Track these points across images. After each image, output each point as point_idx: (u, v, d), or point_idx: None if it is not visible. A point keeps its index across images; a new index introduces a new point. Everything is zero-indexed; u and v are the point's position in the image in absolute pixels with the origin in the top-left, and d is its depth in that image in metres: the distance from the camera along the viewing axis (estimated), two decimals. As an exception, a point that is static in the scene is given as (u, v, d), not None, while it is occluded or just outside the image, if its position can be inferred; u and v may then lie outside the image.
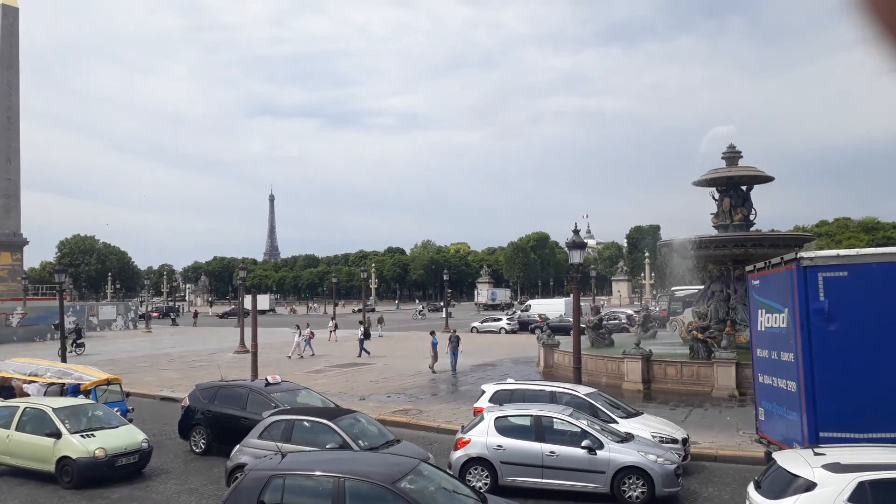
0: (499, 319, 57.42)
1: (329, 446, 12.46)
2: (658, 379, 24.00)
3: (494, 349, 39.05)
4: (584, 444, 12.32)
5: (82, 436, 14.29)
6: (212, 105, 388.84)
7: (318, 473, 9.74)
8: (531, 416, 13.31)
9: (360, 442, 12.79)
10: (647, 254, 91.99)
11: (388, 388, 25.65)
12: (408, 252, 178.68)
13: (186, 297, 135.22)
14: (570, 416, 13.10)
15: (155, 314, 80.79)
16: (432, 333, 32.16)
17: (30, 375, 19.53)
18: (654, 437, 13.92)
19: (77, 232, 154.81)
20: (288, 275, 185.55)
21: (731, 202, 28.68)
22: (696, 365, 23.87)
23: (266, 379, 17.50)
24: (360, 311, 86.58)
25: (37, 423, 14.72)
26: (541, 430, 12.91)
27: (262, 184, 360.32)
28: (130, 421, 16.42)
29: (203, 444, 16.63)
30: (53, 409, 14.83)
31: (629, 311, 55.36)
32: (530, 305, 63.98)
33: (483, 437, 13.02)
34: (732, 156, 28.63)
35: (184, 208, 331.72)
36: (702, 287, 33.34)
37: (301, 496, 9.69)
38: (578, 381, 18.04)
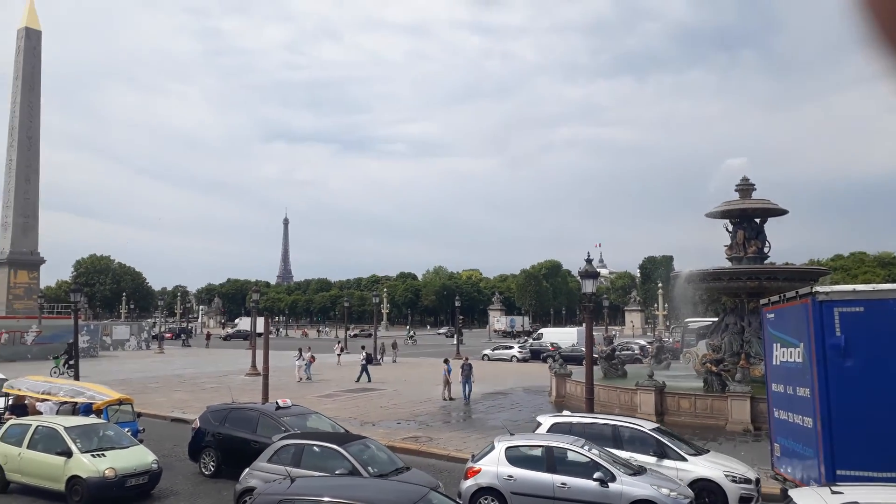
0: (510, 347, 57.09)
1: (338, 472, 12.41)
2: (671, 411, 23.72)
3: (506, 377, 38.82)
4: (596, 475, 12.17)
5: (93, 455, 14.30)
6: (227, 129, 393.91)
7: (326, 499, 9.69)
8: (543, 446, 13.20)
9: (369, 468, 12.72)
10: (660, 284, 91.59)
11: (398, 415, 25.53)
12: (420, 277, 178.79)
13: (199, 319, 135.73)
14: (583, 447, 12.98)
15: (168, 335, 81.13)
16: (446, 361, 31.84)
17: (43, 394, 19.64)
18: (726, 476, 13.47)
19: (93, 252, 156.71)
20: (301, 298, 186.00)
21: (745, 234, 28.57)
22: (710, 398, 23.59)
23: (277, 402, 17.50)
24: (370, 335, 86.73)
25: (48, 441, 14.77)
26: (552, 460, 12.79)
27: (276, 207, 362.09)
28: (141, 441, 16.43)
29: (213, 466, 16.59)
30: (65, 428, 14.89)
31: (642, 342, 54.91)
32: (542, 334, 63.63)
33: (493, 467, 12.91)
34: (746, 188, 28.59)
35: (198, 230, 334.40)
36: (716, 319, 33.09)
37: (310, 522, 9.64)
38: (591, 411, 17.87)
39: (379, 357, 49.64)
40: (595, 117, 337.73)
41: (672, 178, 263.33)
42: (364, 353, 39.21)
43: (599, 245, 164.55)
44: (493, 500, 12.70)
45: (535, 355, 53.29)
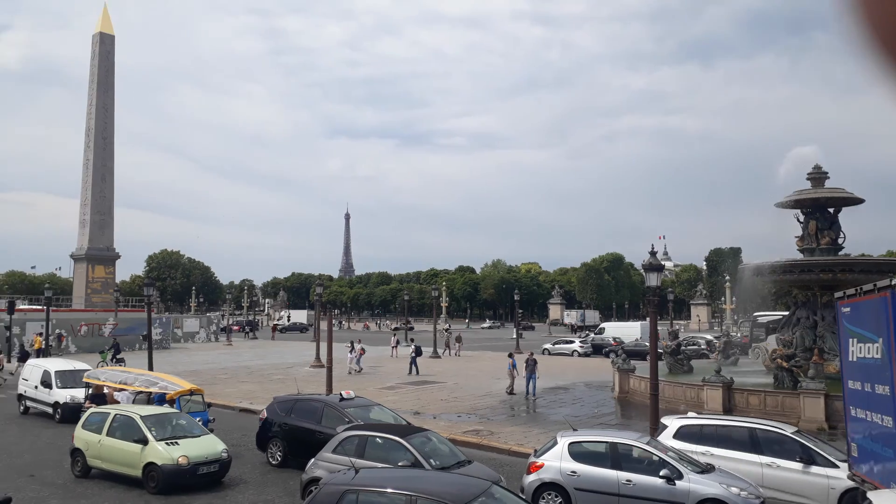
0: (572, 342, 56.57)
1: (401, 464, 12.55)
2: (740, 408, 23.01)
3: (567, 372, 38.45)
4: (662, 473, 11.93)
5: (167, 443, 14.86)
6: (292, 126, 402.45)
7: (390, 491, 9.83)
8: (607, 442, 13.04)
9: (431, 461, 12.81)
10: (727, 277, 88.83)
11: (458, 408, 25.63)
12: (478, 271, 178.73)
13: (266, 312, 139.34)
14: (648, 443, 12.74)
15: (235, 327, 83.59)
16: (510, 355, 31.64)
17: (120, 384, 20.55)
18: None
19: (164, 247, 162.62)
20: (362, 291, 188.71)
21: (818, 225, 27.43)
22: (781, 395, 22.79)
23: (340, 394, 17.82)
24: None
25: (126, 429, 15.43)
26: (617, 457, 12.62)
27: (338, 202, 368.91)
28: (211, 431, 16.98)
29: (279, 456, 17.01)
30: (141, 417, 15.52)
31: (708, 337, 53.50)
32: (604, 328, 62.76)
33: (557, 462, 12.82)
34: (818, 177, 27.44)
35: (264, 225, 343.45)
36: (786, 313, 31.93)
37: (374, 513, 9.79)
38: (655, 408, 17.49)
39: (443, 350, 49.92)
40: (659, 106, 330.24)
41: (740, 166, 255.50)
42: (413, 347, 39.47)
43: (663, 237, 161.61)
44: (556, 496, 12.62)
45: (597, 350, 52.63)
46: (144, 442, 14.81)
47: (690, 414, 16.79)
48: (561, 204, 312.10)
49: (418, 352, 38.81)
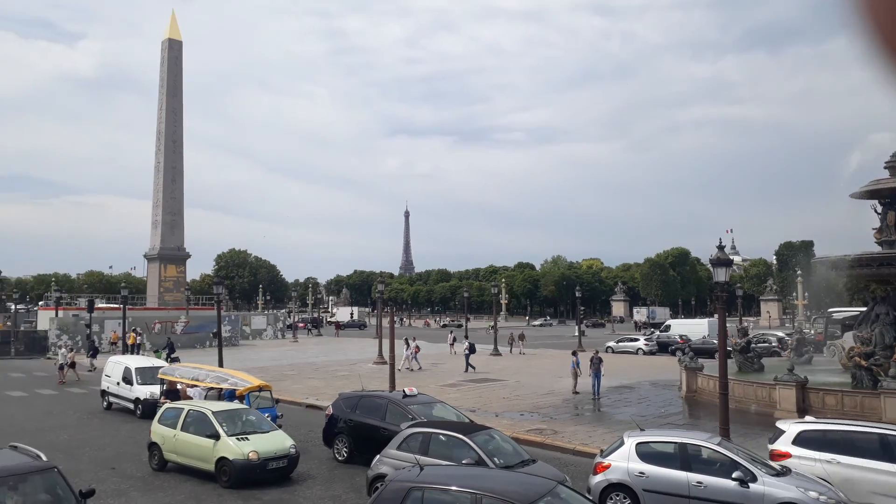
0: (636, 340, 55.51)
1: (465, 462, 12.58)
2: (815, 409, 22.11)
3: (631, 371, 37.78)
4: (735, 475, 11.58)
5: (238, 439, 15.32)
6: (352, 125, 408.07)
7: (454, 488, 9.87)
8: (676, 442, 12.77)
9: (494, 459, 12.81)
10: (798, 272, 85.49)
11: (521, 406, 25.52)
12: (538, 267, 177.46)
13: (329, 309, 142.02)
14: (719, 444, 12.41)
15: (300, 325, 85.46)
16: (574, 353, 31.08)
17: (192, 380, 21.32)
18: None
19: (232, 246, 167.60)
20: (422, 288, 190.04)
21: (899, 216, 26.08)
22: (859, 395, 21.80)
23: (404, 391, 17.99)
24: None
25: (199, 424, 15.97)
26: (687, 458, 12.34)
27: (398, 200, 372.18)
28: (280, 427, 17.41)
29: (345, 452, 17.30)
30: (213, 413, 16.05)
31: (780, 334, 51.61)
32: (670, 326, 61.32)
33: (624, 463, 12.63)
34: (897, 165, 26.08)
35: (327, 224, 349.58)
36: (863, 309, 30.49)
37: (439, 510, 9.86)
38: (725, 407, 16.99)
39: (508, 347, 49.73)
40: (725, 95, 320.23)
41: (810, 156, 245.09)
42: (467, 343, 39.49)
43: (731, 231, 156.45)
44: (623, 497, 12.43)
45: (663, 348, 51.51)
46: (217, 437, 15.30)
47: (808, 418, 15.99)
48: (623, 198, 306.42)
49: (472, 349, 38.84)
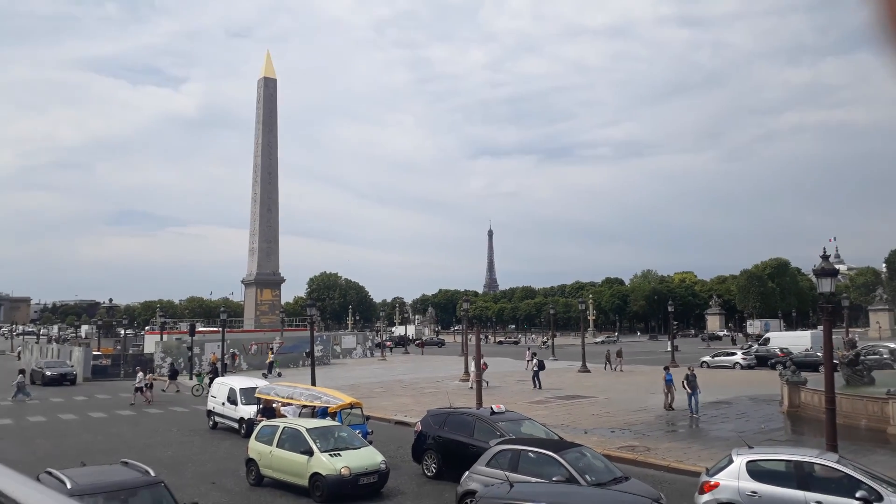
0: (733, 354, 53.18)
1: (555, 479, 12.39)
2: (935, 425, 20.53)
3: (729, 386, 36.16)
4: (859, 494, 10.85)
5: (331, 455, 15.64)
6: (437, 150, 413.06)
7: (544, 505, 9.76)
8: (791, 460, 12.19)
9: (586, 476, 12.54)
10: (912, 279, 79.80)
11: (611, 423, 24.89)
12: (627, 282, 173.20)
13: (416, 328, 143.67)
14: (837, 462, 11.72)
15: (388, 343, 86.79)
16: (666, 369, 29.74)
17: (287, 398, 21.99)
18: None
19: (323, 270, 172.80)
20: (507, 306, 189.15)
21: None
22: None
23: (492, 408, 17.93)
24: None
25: (293, 441, 16.39)
26: (803, 476, 11.70)
27: (481, 220, 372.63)
28: (370, 443, 17.66)
29: (434, 468, 17.38)
30: (307, 430, 16.48)
31: (891, 345, 48.17)
32: (769, 339, 58.42)
33: (734, 482, 12.04)
34: None
35: (413, 245, 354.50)
36: None
37: (529, 527, 9.76)
38: (832, 423, 15.99)
39: (618, 361, 48.31)
40: (825, 99, 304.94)
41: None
42: (536, 361, 38.91)
43: (834, 239, 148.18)
44: None
45: (762, 362, 49.14)
46: (310, 453, 15.67)
47: None
48: (715, 209, 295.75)
49: (541, 366, 38.29)
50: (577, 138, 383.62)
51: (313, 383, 28.16)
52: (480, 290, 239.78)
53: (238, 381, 27.44)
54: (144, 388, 35.46)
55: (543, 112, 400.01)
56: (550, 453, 13.21)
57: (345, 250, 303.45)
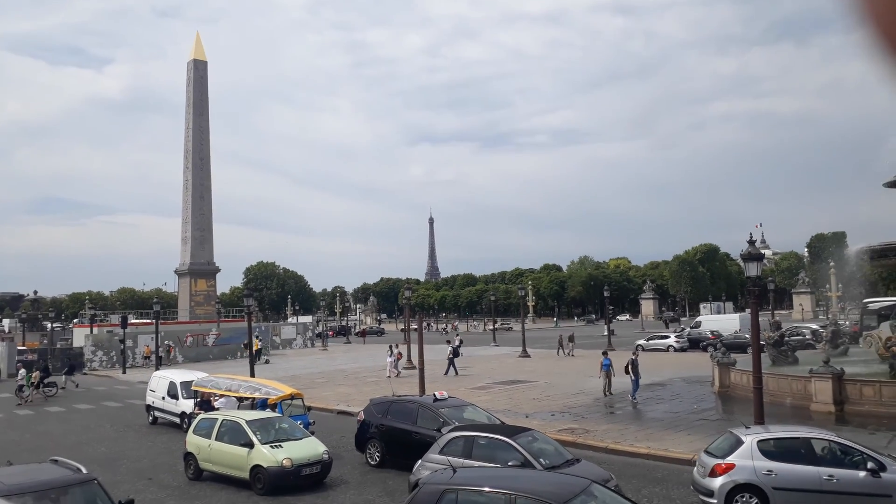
0: (666, 337, 54.93)
1: (511, 464, 12.53)
2: (852, 400, 21.73)
3: (663, 368, 37.35)
4: (869, 465, 11.56)
5: (271, 446, 15.46)
6: (375, 136, 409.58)
7: (488, 489, 9.87)
8: (801, 437, 12.79)
9: (540, 460, 12.73)
10: (831, 263, 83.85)
11: (551, 407, 25.39)
12: (564, 269, 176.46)
13: (357, 317, 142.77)
14: (840, 436, 12.57)
15: (330, 333, 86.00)
16: (605, 354, 29.72)
17: (225, 390, 21.55)
18: None
19: (260, 259, 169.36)
20: (448, 293, 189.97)
21: (934, 202, 25.52)
22: (898, 385, 21.36)
23: (434, 395, 18.03)
24: (523, 327, 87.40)
25: (232, 434, 16.15)
26: (813, 452, 12.27)
27: (422, 207, 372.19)
28: (312, 434, 17.52)
29: (378, 456, 17.37)
30: (247, 422, 16.23)
31: (814, 326, 50.66)
32: (700, 322, 60.54)
33: (748, 462, 12.34)
34: (933, 150, 25.52)
35: (353, 233, 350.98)
36: (901, 298, 29.85)
37: (474, 511, 9.85)
38: (759, 402, 16.73)
39: (570, 346, 48.46)
40: (751, 89, 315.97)
41: (841, 147, 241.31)
42: (451, 348, 39.38)
43: (760, 225, 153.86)
44: (751, 497, 12.17)
45: (694, 344, 50.90)
46: (250, 445, 15.46)
47: None
48: (649, 197, 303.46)
49: (455, 353, 38.81)
50: (515, 126, 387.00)
51: (252, 375, 27.70)
52: (422, 278, 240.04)
53: (178, 375, 26.73)
54: (26, 387, 33.02)
55: (482, 99, 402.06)
56: (504, 438, 13.36)
57: (282, 239, 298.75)
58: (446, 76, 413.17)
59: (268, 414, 17.98)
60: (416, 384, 26.88)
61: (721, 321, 58.66)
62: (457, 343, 42.82)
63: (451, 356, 38.38)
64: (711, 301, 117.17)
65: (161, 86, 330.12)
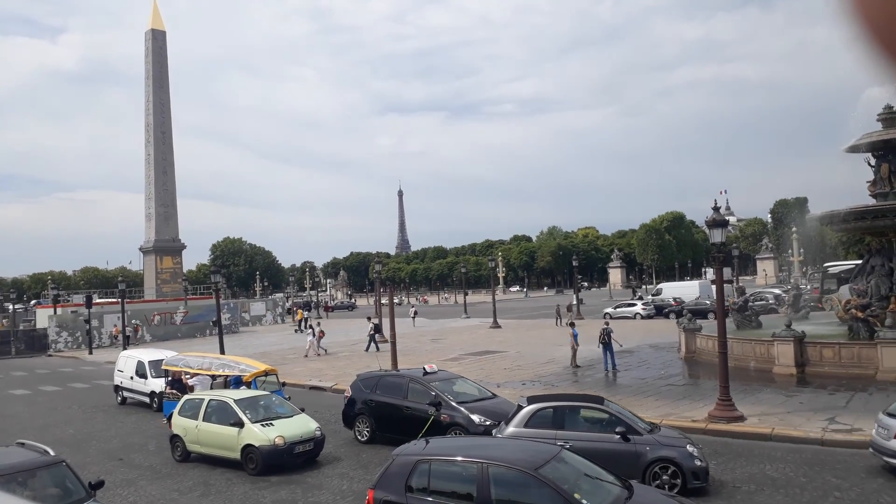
0: (633, 305, 55.80)
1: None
2: (813, 362, 22.40)
3: (631, 335, 37.90)
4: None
5: (262, 425, 15.10)
6: (343, 107, 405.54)
7: (460, 459, 10.00)
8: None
9: (639, 425, 13.10)
10: (794, 229, 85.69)
11: (522, 376, 25.72)
12: (534, 240, 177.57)
13: (328, 292, 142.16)
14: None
15: (297, 309, 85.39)
16: (572, 325, 29.30)
17: (199, 369, 21.24)
18: None
19: (227, 234, 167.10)
20: (419, 266, 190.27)
21: (891, 168, 26.12)
22: (856, 346, 22.06)
23: (424, 368, 17.77)
24: (494, 299, 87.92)
25: (221, 413, 15.73)
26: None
27: (391, 180, 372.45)
28: (302, 410, 16.77)
29: (367, 432, 17.13)
30: (235, 401, 15.85)
31: (777, 291, 51.98)
32: (661, 290, 61.56)
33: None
34: (890, 117, 26.03)
35: (321, 207, 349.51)
36: (859, 262, 30.68)
37: (447, 480, 9.98)
38: (724, 365, 17.10)
39: (569, 315, 47.62)
40: (717, 55, 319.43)
41: (805, 113, 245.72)
42: (372, 324, 39.38)
43: (725, 192, 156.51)
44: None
45: (660, 311, 51.83)
46: (241, 425, 15.05)
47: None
48: (617, 165, 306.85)
49: (377, 329, 38.98)
50: (482, 94, 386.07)
51: (222, 352, 27.46)
52: (393, 252, 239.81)
53: (146, 354, 26.31)
54: None
55: (449, 68, 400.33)
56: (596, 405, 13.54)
57: (249, 214, 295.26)
58: (413, 44, 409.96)
59: (255, 392, 17.51)
60: (410, 357, 26.83)
61: (681, 288, 59.75)
62: (377, 321, 40.76)
63: (371, 332, 38.39)
64: (678, 268, 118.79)
65: (118, 56, 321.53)
